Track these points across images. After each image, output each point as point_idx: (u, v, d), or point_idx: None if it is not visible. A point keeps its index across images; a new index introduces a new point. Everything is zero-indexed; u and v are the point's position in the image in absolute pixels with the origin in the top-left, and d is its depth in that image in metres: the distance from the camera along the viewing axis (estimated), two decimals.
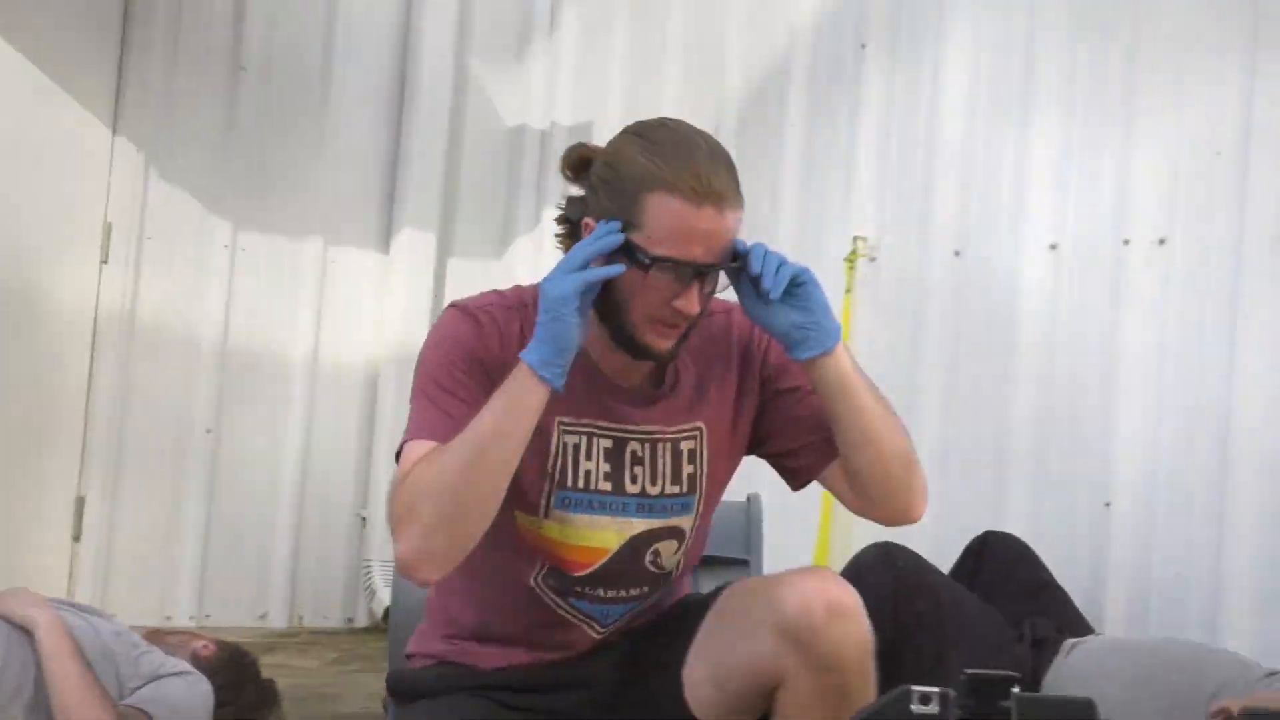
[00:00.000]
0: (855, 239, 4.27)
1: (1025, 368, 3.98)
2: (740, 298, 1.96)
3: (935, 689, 1.52)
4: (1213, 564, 3.60)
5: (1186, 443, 3.68)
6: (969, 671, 1.53)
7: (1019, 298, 4.01)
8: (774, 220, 4.48)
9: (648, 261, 1.86)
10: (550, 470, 2.01)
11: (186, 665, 3.50)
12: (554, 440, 2.00)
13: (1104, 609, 3.79)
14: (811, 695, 1.89)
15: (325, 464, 5.43)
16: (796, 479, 2.10)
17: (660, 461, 2.05)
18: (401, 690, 2.21)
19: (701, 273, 1.88)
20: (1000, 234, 4.06)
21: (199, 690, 3.46)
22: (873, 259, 4.25)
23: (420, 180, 5.48)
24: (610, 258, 1.89)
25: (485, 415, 1.87)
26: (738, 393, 2.08)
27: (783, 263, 1.91)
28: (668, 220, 1.85)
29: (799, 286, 1.91)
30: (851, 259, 4.29)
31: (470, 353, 1.95)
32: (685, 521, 2.08)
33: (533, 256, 5.54)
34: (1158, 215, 3.73)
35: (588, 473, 2.03)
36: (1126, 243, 3.77)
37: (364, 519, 5.44)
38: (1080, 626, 3.41)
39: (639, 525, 2.05)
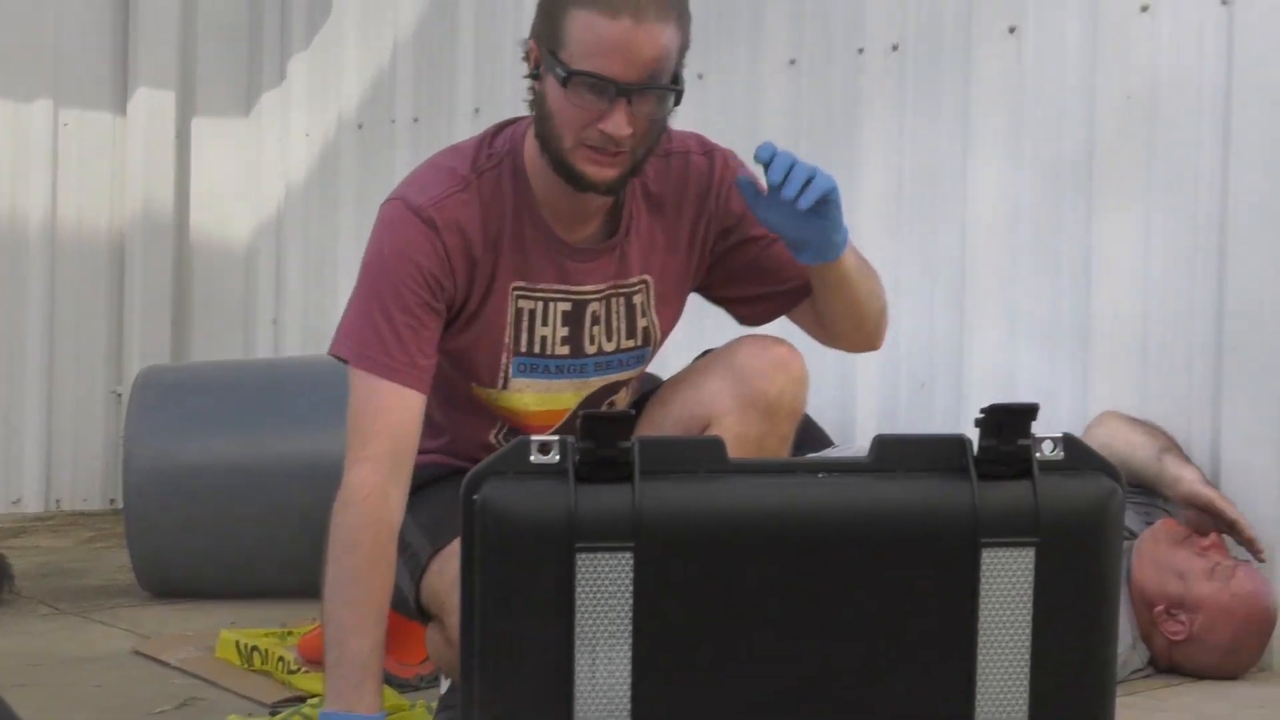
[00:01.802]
0: None
1: None
2: (747, 195, 1.95)
3: (555, 437, 1.49)
4: (955, 375, 3.60)
5: (929, 253, 3.65)
6: (584, 413, 1.50)
7: (761, 116, 3.94)
8: None
9: (563, 75, 1.84)
10: (506, 341, 2.00)
11: None
12: (510, 309, 1.99)
13: (855, 425, 3.79)
14: (733, 438, 1.88)
15: (73, 340, 5.24)
16: (750, 321, 2.15)
17: (615, 318, 2.05)
18: None
19: (625, 92, 1.84)
20: (739, 53, 3.97)
21: None
22: None
23: (154, 34, 5.24)
24: (537, 77, 1.89)
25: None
26: (690, 241, 2.06)
27: (813, 175, 1.85)
28: (584, 34, 1.83)
29: (825, 204, 1.87)
30: None
31: (426, 272, 1.91)
32: (639, 372, 2.12)
33: (281, 112, 5.34)
34: (890, 22, 3.68)
35: (544, 338, 2.02)
36: (861, 51, 3.72)
37: (119, 395, 5.24)
38: (818, 441, 3.40)
39: (596, 383, 2.07)
